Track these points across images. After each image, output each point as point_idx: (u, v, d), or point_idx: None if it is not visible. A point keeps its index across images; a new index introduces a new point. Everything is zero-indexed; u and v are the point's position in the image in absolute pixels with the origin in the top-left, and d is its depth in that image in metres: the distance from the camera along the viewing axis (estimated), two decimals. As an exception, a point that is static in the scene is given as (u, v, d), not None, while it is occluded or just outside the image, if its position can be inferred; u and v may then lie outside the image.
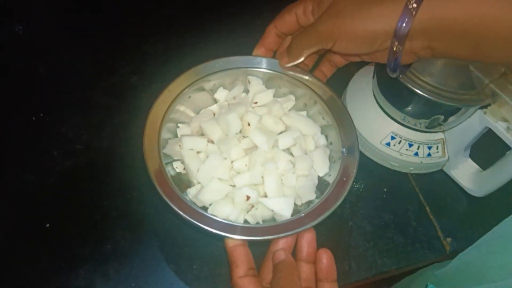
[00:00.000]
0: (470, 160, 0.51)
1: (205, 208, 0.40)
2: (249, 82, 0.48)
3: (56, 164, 0.50)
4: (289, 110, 0.47)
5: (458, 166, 0.51)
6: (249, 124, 0.43)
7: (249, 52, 0.48)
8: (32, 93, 0.55)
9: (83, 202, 0.48)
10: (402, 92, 0.44)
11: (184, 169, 0.43)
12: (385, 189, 0.52)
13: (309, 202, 0.41)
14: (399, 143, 0.50)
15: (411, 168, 0.51)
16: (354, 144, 0.42)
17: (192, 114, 0.47)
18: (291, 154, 0.44)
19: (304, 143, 0.45)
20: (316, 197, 0.41)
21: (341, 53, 0.44)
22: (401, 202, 0.51)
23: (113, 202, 0.48)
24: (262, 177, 0.41)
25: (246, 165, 0.42)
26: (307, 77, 0.46)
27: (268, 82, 0.48)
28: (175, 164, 0.44)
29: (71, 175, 0.49)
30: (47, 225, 0.46)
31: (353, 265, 0.46)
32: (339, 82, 0.56)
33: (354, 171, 0.40)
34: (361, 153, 0.52)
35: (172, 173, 0.43)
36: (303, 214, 0.37)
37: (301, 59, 0.42)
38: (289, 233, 0.37)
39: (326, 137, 0.46)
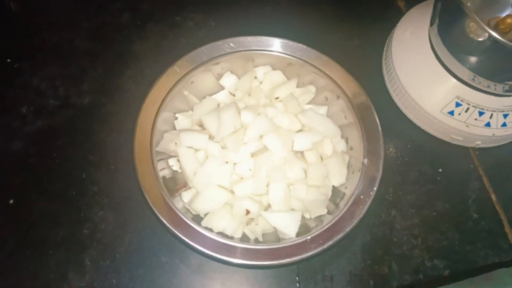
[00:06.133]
0: None
1: (199, 218, 0.38)
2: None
3: (24, 124, 0.44)
4: (307, 104, 0.43)
5: None
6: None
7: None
8: (-1, 33, 0.48)
9: (56, 173, 0.42)
10: (474, 41, 0.36)
11: (180, 167, 0.40)
12: (440, 170, 0.44)
13: (320, 217, 0.38)
14: (466, 111, 0.41)
15: (478, 142, 0.43)
16: (378, 154, 0.38)
17: (195, 100, 0.42)
18: (303, 157, 0.40)
19: (321, 147, 0.41)
20: (328, 212, 0.38)
21: None
22: (459, 187, 0.43)
23: (93, 174, 0.42)
24: (267, 185, 0.38)
25: (250, 170, 0.38)
26: (332, 67, 0.41)
27: (286, 69, 0.43)
28: (171, 162, 0.41)
29: (42, 138, 0.43)
30: (11, 201, 0.40)
31: (395, 267, 0.39)
32: (379, 25, 0.48)
33: (375, 188, 0.36)
34: (413, 125, 0.45)
35: (167, 172, 0.40)
36: (309, 238, 0.34)
37: None
38: (290, 259, 0.34)
39: (347, 139, 0.42)
